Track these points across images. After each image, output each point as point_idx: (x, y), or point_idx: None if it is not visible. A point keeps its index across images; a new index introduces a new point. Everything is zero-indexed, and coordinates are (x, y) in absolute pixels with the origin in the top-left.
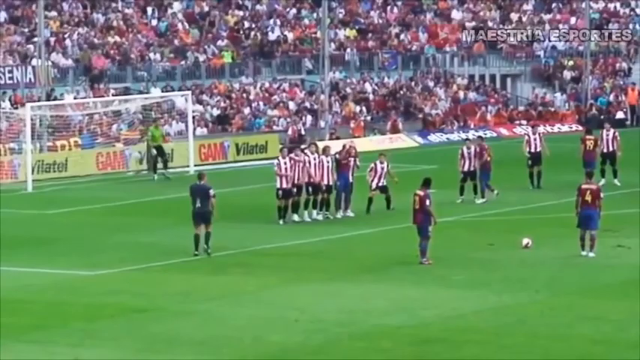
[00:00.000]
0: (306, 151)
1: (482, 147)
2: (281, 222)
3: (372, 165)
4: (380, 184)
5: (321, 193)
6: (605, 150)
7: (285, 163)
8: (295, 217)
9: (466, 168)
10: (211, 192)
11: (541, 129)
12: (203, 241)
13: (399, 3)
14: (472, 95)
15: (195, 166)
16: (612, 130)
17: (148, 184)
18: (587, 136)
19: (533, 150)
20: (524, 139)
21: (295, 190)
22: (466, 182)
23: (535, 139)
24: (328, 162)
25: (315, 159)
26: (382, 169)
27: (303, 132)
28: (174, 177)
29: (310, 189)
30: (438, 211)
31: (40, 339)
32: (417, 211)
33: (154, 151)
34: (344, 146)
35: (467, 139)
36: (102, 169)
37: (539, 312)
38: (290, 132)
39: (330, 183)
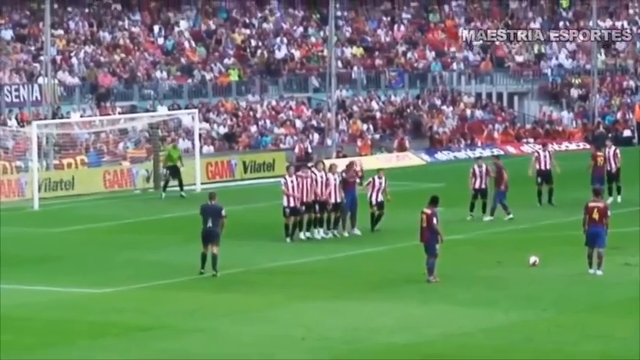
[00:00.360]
0: (313, 169)
1: (499, 166)
2: (288, 240)
3: (370, 180)
4: (378, 200)
5: (327, 211)
6: (608, 168)
7: (292, 182)
8: (302, 235)
9: (477, 185)
10: (223, 212)
11: (550, 147)
12: (210, 262)
13: (406, 21)
14: (479, 113)
15: (202, 184)
16: (613, 148)
17: (154, 203)
18: (598, 153)
19: (543, 167)
20: (533, 156)
21: (303, 208)
22: (477, 199)
23: (545, 157)
24: (335, 180)
25: (322, 177)
26: (380, 184)
27: (309, 150)
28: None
29: (317, 207)
30: (446, 229)
31: (44, 357)
32: (424, 229)
33: (166, 171)
34: (350, 164)
35: (479, 158)
36: (109, 187)
37: (546, 330)
38: (297, 150)
39: (338, 201)
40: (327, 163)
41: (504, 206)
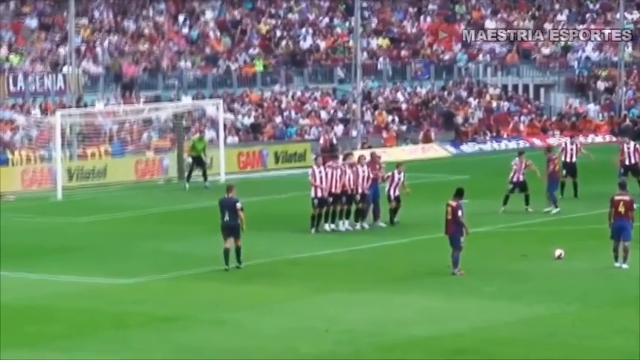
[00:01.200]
0: (341, 160)
1: (551, 158)
2: (313, 231)
3: (390, 174)
4: (396, 194)
5: (355, 203)
6: (627, 162)
7: (320, 172)
8: (327, 227)
9: (515, 179)
10: (238, 205)
11: (578, 140)
12: (234, 255)
13: (432, 12)
14: (505, 105)
15: (233, 173)
16: (632, 143)
17: (178, 193)
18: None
19: (568, 160)
20: (559, 148)
21: (331, 199)
22: (513, 193)
23: (572, 150)
24: (364, 172)
25: (350, 168)
26: (399, 179)
27: (334, 141)
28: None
29: (345, 199)
30: (471, 222)
31: (68, 347)
32: (449, 221)
33: (190, 160)
34: (373, 156)
35: (521, 153)
36: (141, 176)
37: (570, 324)
38: (322, 141)
39: (366, 192)
40: (356, 154)
41: (553, 197)
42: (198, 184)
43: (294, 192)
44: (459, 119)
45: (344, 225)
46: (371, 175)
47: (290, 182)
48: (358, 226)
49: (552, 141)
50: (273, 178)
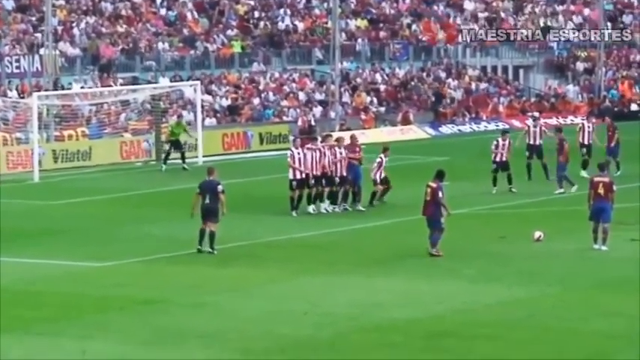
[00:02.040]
0: (319, 142)
1: (561, 138)
2: (294, 213)
3: (379, 159)
4: (382, 177)
5: (335, 185)
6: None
7: (299, 154)
8: (310, 209)
9: (498, 159)
10: (219, 188)
11: (542, 121)
12: (207, 239)
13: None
14: (484, 86)
15: (219, 155)
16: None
17: (156, 175)
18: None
19: (532, 142)
20: (523, 130)
21: (313, 181)
22: (497, 173)
23: (534, 132)
24: (341, 153)
25: (329, 150)
26: (385, 162)
27: (313, 123)
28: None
29: (324, 181)
30: (451, 204)
31: (48, 331)
32: (427, 202)
33: (168, 144)
34: (352, 138)
35: (505, 131)
36: (126, 157)
37: (550, 306)
38: (300, 123)
39: (345, 174)
40: (334, 136)
41: (560, 179)
42: (177, 166)
43: (274, 174)
44: (449, 98)
45: (326, 207)
46: (342, 156)
47: (270, 164)
48: (339, 208)
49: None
50: (254, 159)
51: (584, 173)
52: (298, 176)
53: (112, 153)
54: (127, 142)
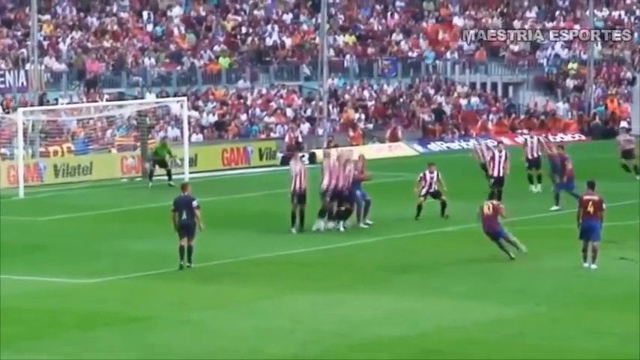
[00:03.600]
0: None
1: (563, 157)
2: (294, 230)
3: (422, 174)
4: (431, 191)
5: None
6: (530, 156)
7: (299, 168)
8: (321, 226)
9: (495, 173)
10: (194, 203)
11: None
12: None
13: (399, 9)
14: (473, 103)
15: (219, 170)
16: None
17: (142, 192)
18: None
19: (530, 156)
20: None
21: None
22: (494, 189)
23: (532, 146)
24: (349, 170)
25: (335, 166)
26: (431, 178)
27: (300, 139)
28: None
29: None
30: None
31: (32, 348)
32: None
33: (151, 162)
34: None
35: (500, 142)
36: (126, 172)
37: (540, 324)
38: (287, 139)
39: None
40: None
41: (575, 195)
42: (162, 182)
43: (264, 190)
44: (426, 117)
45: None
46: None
47: (257, 180)
48: (340, 226)
49: (520, 140)
50: (241, 176)
51: (533, 188)
52: (298, 189)
53: (111, 168)
54: (127, 157)
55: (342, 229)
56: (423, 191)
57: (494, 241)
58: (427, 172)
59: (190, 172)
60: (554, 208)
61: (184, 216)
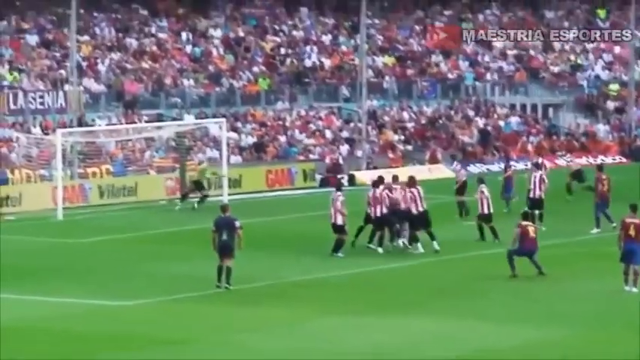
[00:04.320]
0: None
1: (600, 177)
2: (380, 250)
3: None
4: (486, 213)
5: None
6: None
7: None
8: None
9: (531, 195)
10: (237, 224)
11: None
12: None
13: (439, 30)
14: (513, 125)
15: (263, 192)
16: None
17: (181, 213)
18: None
19: (532, 194)
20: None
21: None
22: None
23: (535, 181)
24: (419, 192)
25: (402, 190)
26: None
27: (341, 161)
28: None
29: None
30: (480, 243)
31: None
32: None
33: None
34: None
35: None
36: (170, 193)
37: (580, 347)
38: (328, 160)
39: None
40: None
41: (607, 216)
42: (207, 204)
43: (304, 212)
44: (466, 139)
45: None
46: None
47: (314, 201)
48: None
49: (561, 162)
50: (284, 198)
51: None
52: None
53: (157, 189)
54: (172, 178)
55: (380, 251)
56: (485, 210)
57: (529, 257)
58: (485, 189)
59: (235, 194)
60: (595, 230)
61: (224, 236)
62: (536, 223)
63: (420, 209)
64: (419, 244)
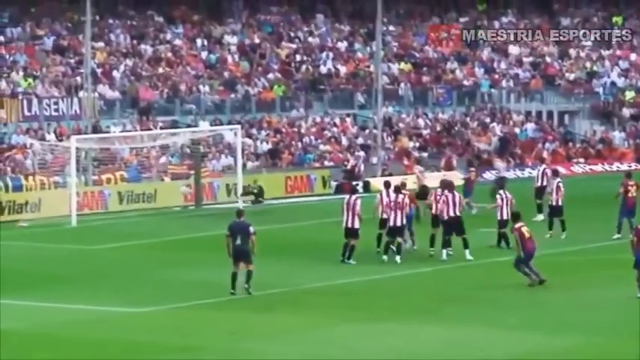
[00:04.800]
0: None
1: (627, 184)
2: (385, 257)
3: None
4: (505, 219)
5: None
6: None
7: (389, 196)
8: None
9: (554, 203)
10: (251, 229)
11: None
12: (244, 279)
13: (455, 37)
14: (529, 132)
15: (280, 198)
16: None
17: (195, 220)
18: None
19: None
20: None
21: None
22: (554, 217)
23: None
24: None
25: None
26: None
27: (362, 167)
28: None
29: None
30: (492, 251)
31: None
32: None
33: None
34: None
35: (554, 170)
36: (189, 200)
37: (593, 356)
38: (349, 166)
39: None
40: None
41: (630, 223)
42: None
43: (316, 219)
44: (482, 146)
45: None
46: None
47: (308, 209)
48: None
49: (577, 169)
50: (298, 205)
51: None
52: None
53: (174, 196)
54: (191, 185)
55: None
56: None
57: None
58: (507, 193)
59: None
60: (616, 236)
61: (239, 241)
62: (553, 230)
63: (452, 214)
64: (444, 251)
